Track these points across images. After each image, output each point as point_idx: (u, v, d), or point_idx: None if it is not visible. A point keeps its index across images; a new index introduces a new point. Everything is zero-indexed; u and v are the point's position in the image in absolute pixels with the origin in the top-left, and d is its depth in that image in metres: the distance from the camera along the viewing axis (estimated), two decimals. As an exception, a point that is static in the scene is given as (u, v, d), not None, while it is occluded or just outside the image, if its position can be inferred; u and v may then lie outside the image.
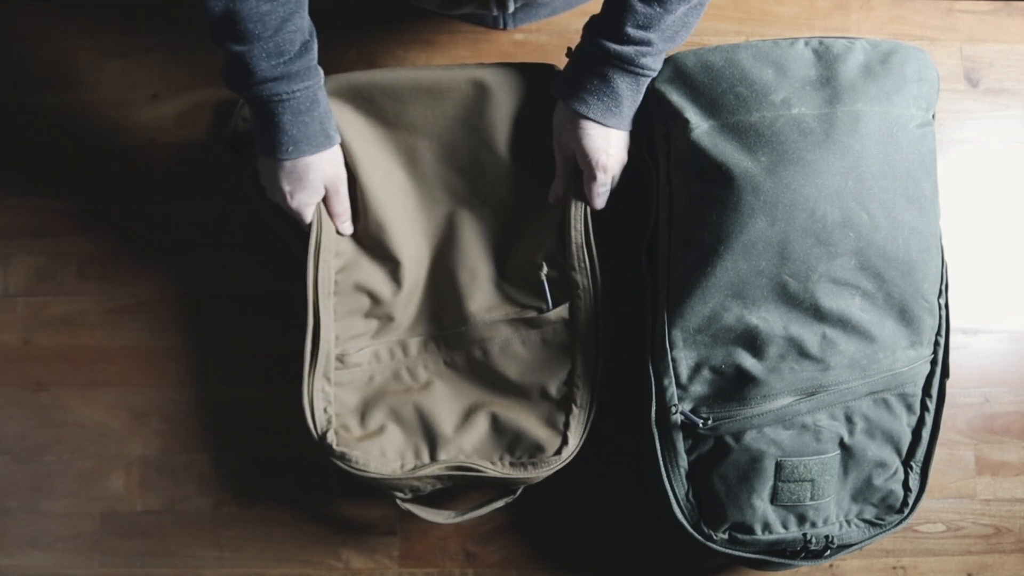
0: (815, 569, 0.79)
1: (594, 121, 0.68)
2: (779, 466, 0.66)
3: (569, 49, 0.70)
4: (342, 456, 0.69)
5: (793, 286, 0.64)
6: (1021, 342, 0.82)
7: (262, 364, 0.80)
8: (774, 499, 0.67)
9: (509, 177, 0.75)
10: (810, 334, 0.65)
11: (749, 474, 0.66)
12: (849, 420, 0.67)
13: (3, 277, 0.83)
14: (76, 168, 0.83)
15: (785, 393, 0.66)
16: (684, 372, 0.67)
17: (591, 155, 0.69)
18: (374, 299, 0.74)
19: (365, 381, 0.74)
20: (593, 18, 0.67)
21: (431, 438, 0.71)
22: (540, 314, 0.73)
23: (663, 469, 0.68)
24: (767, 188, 0.63)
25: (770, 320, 0.65)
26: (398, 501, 0.72)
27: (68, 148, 0.84)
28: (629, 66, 0.65)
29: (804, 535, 0.67)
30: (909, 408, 0.69)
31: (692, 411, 0.67)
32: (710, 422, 0.66)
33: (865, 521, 0.70)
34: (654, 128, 0.72)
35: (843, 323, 0.65)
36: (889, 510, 0.70)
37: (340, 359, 0.73)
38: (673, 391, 0.68)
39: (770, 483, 0.66)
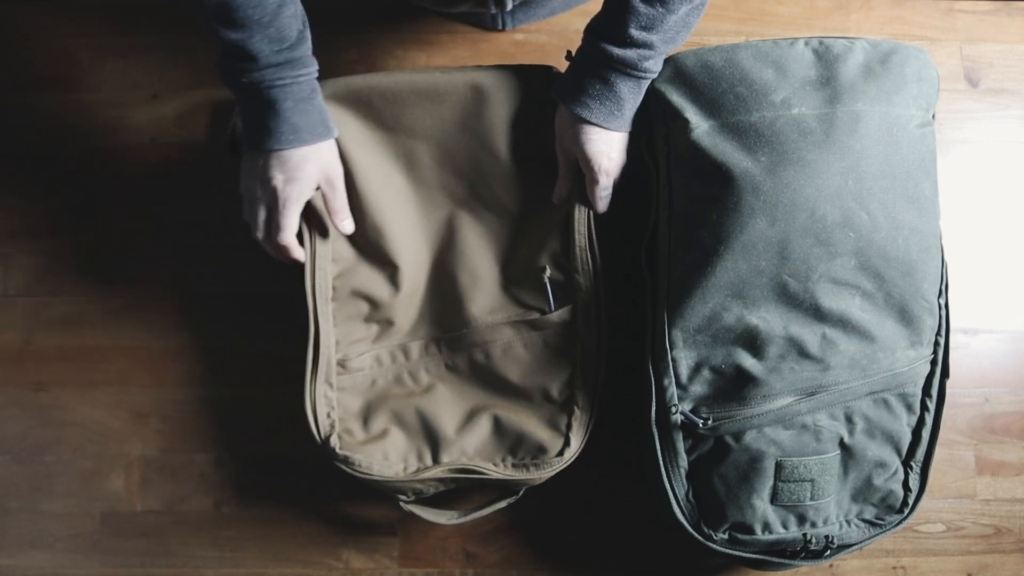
0: (815, 569, 0.79)
1: (596, 125, 0.68)
2: (779, 466, 0.66)
3: (569, 53, 0.70)
4: (345, 460, 0.69)
5: (793, 286, 0.64)
6: (1021, 342, 0.82)
7: (262, 364, 0.80)
8: (774, 499, 0.67)
9: (508, 179, 0.75)
10: (810, 334, 0.65)
11: (749, 474, 0.66)
12: (849, 420, 0.67)
13: (3, 277, 0.82)
14: (76, 168, 0.83)
15: (785, 393, 0.66)
16: (684, 372, 0.67)
17: (593, 159, 0.69)
18: (373, 304, 0.74)
19: (367, 385, 0.74)
20: (594, 20, 0.67)
21: (433, 441, 0.71)
22: (542, 316, 0.73)
23: (663, 469, 0.68)
24: (767, 188, 0.63)
25: (770, 320, 0.65)
26: (401, 503, 0.72)
27: (68, 148, 0.83)
28: (631, 70, 0.65)
29: (804, 535, 0.67)
30: (909, 408, 0.69)
31: (692, 411, 0.67)
32: (710, 422, 0.66)
33: (865, 521, 0.70)
34: (654, 128, 0.72)
35: (843, 323, 0.65)
36: (889, 510, 0.70)
37: (342, 364, 0.73)
38: (673, 391, 0.68)
39: (770, 483, 0.66)
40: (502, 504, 0.72)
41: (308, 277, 0.72)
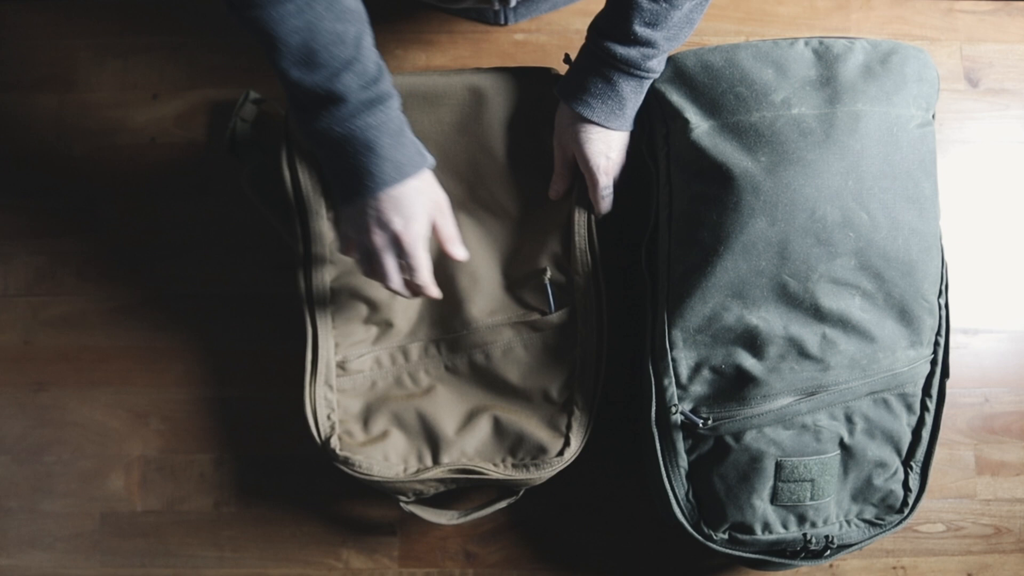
0: (815, 569, 0.79)
1: (597, 124, 0.67)
2: (779, 466, 0.66)
3: (567, 56, 0.70)
4: (346, 461, 0.70)
5: (793, 286, 0.64)
6: (1021, 342, 0.82)
7: (262, 364, 0.80)
8: (774, 499, 0.67)
9: (507, 182, 0.74)
10: (810, 334, 0.65)
11: (749, 474, 0.66)
12: (849, 420, 0.67)
13: (3, 277, 0.82)
14: (76, 168, 0.83)
15: (785, 393, 0.66)
16: (684, 372, 0.67)
17: (591, 159, 0.68)
18: (372, 306, 0.74)
19: (367, 387, 0.74)
20: (597, 18, 0.67)
21: (433, 442, 0.72)
22: (543, 317, 0.73)
23: (663, 469, 0.68)
24: (767, 188, 0.63)
25: (770, 320, 0.65)
26: (401, 504, 0.72)
27: (68, 148, 0.84)
28: (634, 70, 0.65)
29: (804, 535, 0.67)
30: (909, 408, 0.69)
31: (692, 411, 0.67)
32: (710, 422, 0.66)
33: (865, 521, 0.70)
34: (654, 128, 0.72)
35: (843, 323, 0.65)
36: (889, 510, 0.70)
37: (341, 366, 0.73)
38: (673, 391, 0.68)
39: (770, 483, 0.67)
40: (502, 504, 0.72)
41: (302, 280, 0.73)
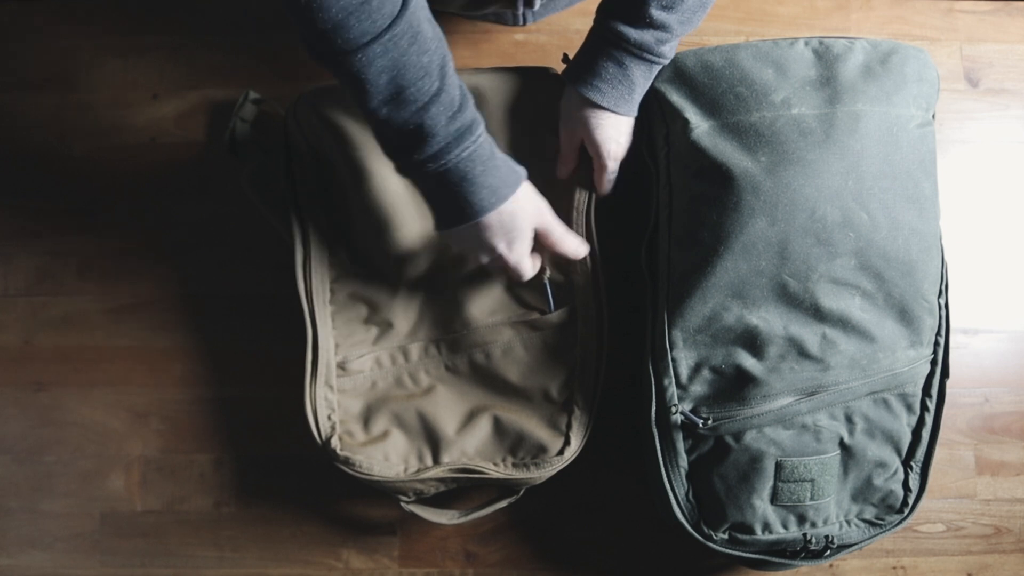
0: (815, 569, 0.79)
1: (607, 110, 0.67)
2: (779, 466, 0.66)
3: (565, 56, 0.70)
4: (346, 461, 0.70)
5: (793, 286, 0.64)
6: (1021, 342, 0.82)
7: (262, 364, 0.80)
8: (774, 499, 0.67)
9: None
10: (810, 334, 0.65)
11: (749, 474, 0.66)
12: (849, 420, 0.67)
13: (3, 277, 0.82)
14: (76, 168, 0.83)
15: (785, 393, 0.66)
16: (684, 372, 0.67)
17: (602, 144, 0.68)
18: (372, 306, 0.74)
19: (368, 387, 0.74)
20: (607, 1, 0.65)
21: (434, 441, 0.72)
22: (542, 316, 0.73)
23: (663, 469, 0.68)
24: (767, 188, 0.63)
25: (770, 320, 0.65)
26: (402, 503, 0.72)
27: (68, 148, 0.84)
28: (647, 55, 0.64)
29: (804, 535, 0.67)
30: (909, 408, 0.69)
31: (692, 411, 0.67)
32: (710, 422, 0.66)
33: (865, 521, 0.70)
34: (654, 128, 0.71)
35: (843, 323, 0.65)
36: (889, 510, 0.70)
37: (342, 366, 0.73)
38: (673, 391, 0.68)
39: (770, 483, 0.66)
40: (503, 504, 0.72)
41: (301, 282, 0.73)
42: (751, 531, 0.67)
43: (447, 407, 0.73)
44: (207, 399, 0.81)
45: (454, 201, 0.61)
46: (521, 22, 0.83)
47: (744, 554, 0.68)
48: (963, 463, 0.81)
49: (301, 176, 0.73)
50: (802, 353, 0.65)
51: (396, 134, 0.59)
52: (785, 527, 0.68)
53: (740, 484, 0.67)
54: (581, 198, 0.73)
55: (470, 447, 0.71)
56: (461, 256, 0.74)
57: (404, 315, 0.75)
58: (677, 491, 0.69)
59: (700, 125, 0.67)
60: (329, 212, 0.75)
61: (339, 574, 0.79)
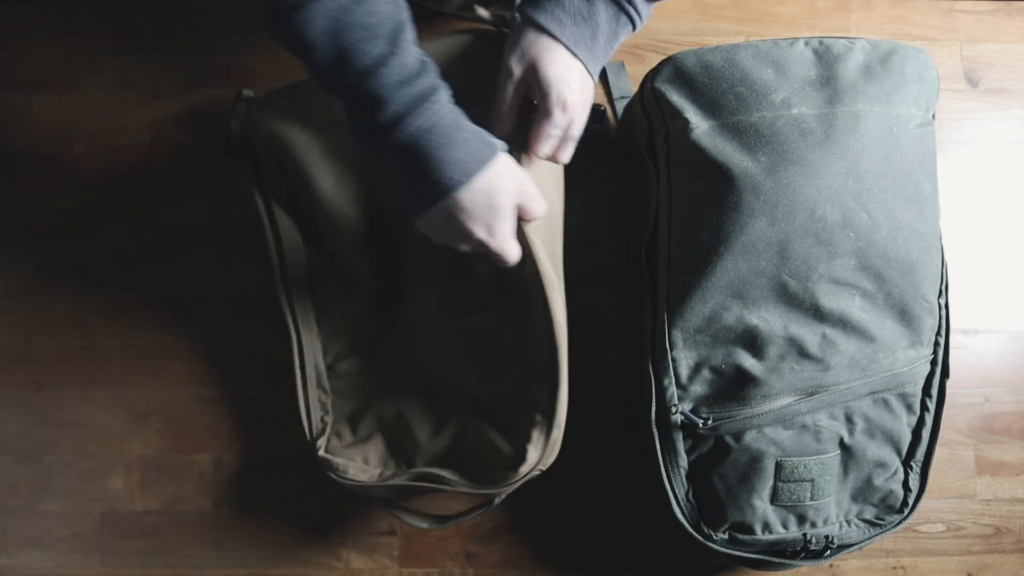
0: (815, 569, 0.79)
1: (564, 46, 0.57)
2: (779, 466, 0.66)
3: (515, 5, 0.62)
4: (327, 464, 0.69)
5: (793, 286, 0.64)
6: (1021, 342, 0.82)
7: (262, 364, 0.80)
8: (774, 499, 0.67)
9: None
10: (810, 334, 0.65)
11: (749, 474, 0.66)
12: (849, 420, 0.67)
13: (3, 277, 0.82)
14: (76, 168, 0.83)
15: (785, 393, 0.66)
16: (684, 372, 0.67)
17: (552, 85, 0.57)
18: (354, 309, 0.74)
19: (355, 389, 0.74)
20: None
21: (409, 447, 0.71)
22: (487, 315, 0.70)
23: (663, 469, 0.68)
24: (767, 188, 0.63)
25: (770, 320, 0.65)
26: (383, 507, 0.72)
27: (68, 148, 0.83)
28: None
29: (804, 535, 0.67)
30: (909, 408, 0.69)
31: (692, 411, 0.67)
32: (710, 422, 0.66)
33: (865, 521, 0.70)
34: (654, 128, 0.71)
35: (843, 323, 0.65)
36: (889, 510, 0.70)
37: (332, 368, 0.74)
38: (673, 391, 0.68)
39: (770, 483, 0.66)
40: (479, 512, 0.70)
41: (280, 289, 0.72)
42: (751, 531, 0.67)
43: (423, 412, 0.72)
44: (207, 399, 0.81)
45: (419, 180, 0.55)
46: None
47: (744, 554, 0.68)
48: (963, 463, 0.81)
49: (270, 184, 0.72)
50: (802, 353, 0.65)
51: (351, 103, 0.55)
52: (785, 527, 0.68)
53: (740, 484, 0.67)
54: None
55: (436, 455, 0.70)
56: (436, 250, 0.66)
57: (383, 316, 0.75)
58: (677, 491, 0.69)
59: (700, 125, 0.67)
60: (300, 216, 0.73)
61: (339, 574, 0.79)
